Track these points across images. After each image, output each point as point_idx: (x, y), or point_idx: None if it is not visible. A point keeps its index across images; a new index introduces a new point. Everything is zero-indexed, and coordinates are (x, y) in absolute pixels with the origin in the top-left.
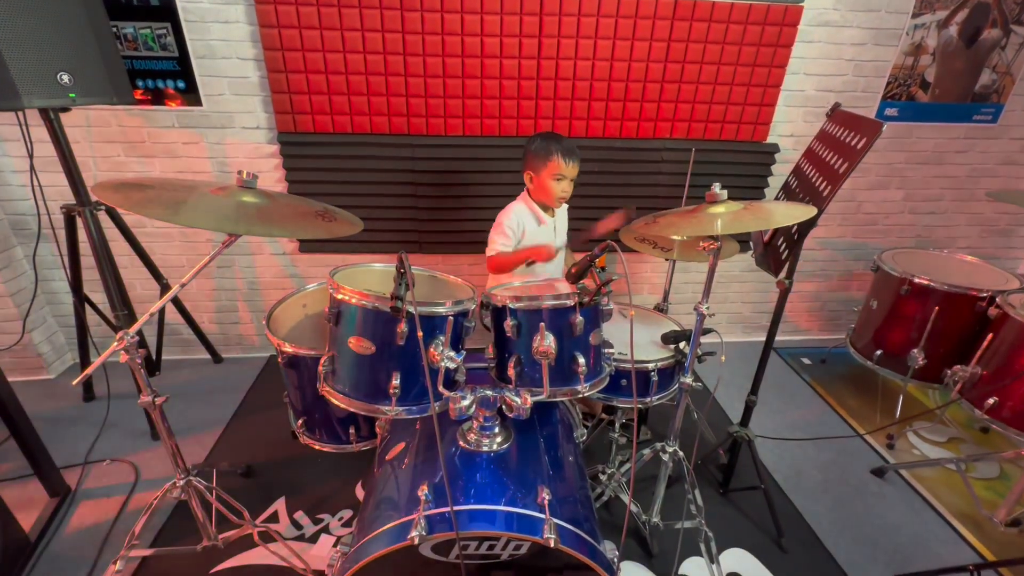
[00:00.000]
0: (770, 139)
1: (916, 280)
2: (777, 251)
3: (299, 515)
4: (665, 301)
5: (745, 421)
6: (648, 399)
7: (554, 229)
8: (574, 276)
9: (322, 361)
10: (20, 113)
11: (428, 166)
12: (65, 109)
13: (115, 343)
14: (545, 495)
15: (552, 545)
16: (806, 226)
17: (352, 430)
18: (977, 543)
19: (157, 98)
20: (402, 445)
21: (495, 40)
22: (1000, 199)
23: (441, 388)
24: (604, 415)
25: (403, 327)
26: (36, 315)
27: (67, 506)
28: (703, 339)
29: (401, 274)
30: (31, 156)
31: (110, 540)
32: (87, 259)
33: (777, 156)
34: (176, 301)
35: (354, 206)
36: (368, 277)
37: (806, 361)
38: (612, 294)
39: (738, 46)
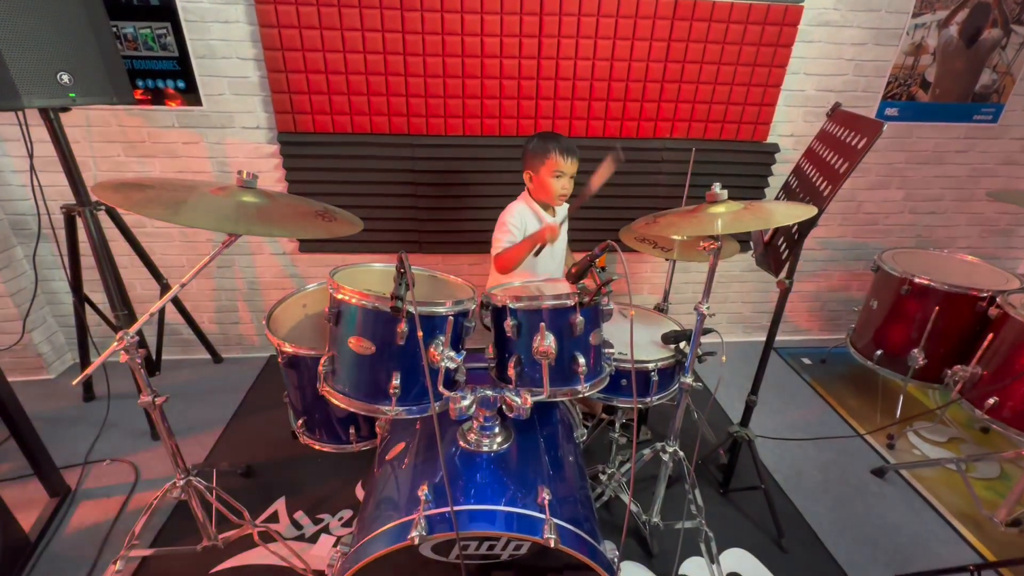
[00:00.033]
0: (770, 139)
1: (916, 280)
2: (777, 251)
3: (299, 515)
4: (665, 301)
5: (745, 421)
6: (648, 399)
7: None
8: (574, 276)
9: (322, 361)
10: (20, 113)
11: (428, 166)
12: (65, 109)
13: (115, 343)
14: (545, 495)
15: (552, 545)
16: (806, 226)
17: (352, 430)
18: (977, 543)
19: (157, 98)
20: (402, 445)
21: (495, 40)
22: (1000, 199)
23: (441, 388)
24: (604, 415)
25: (403, 327)
26: (36, 315)
27: (67, 506)
28: (703, 339)
29: (401, 274)
30: (31, 156)
31: (110, 540)
32: (87, 259)
33: (777, 156)
34: (176, 301)
35: (354, 206)
36: (368, 277)
37: (806, 361)
38: (612, 294)
39: (738, 46)
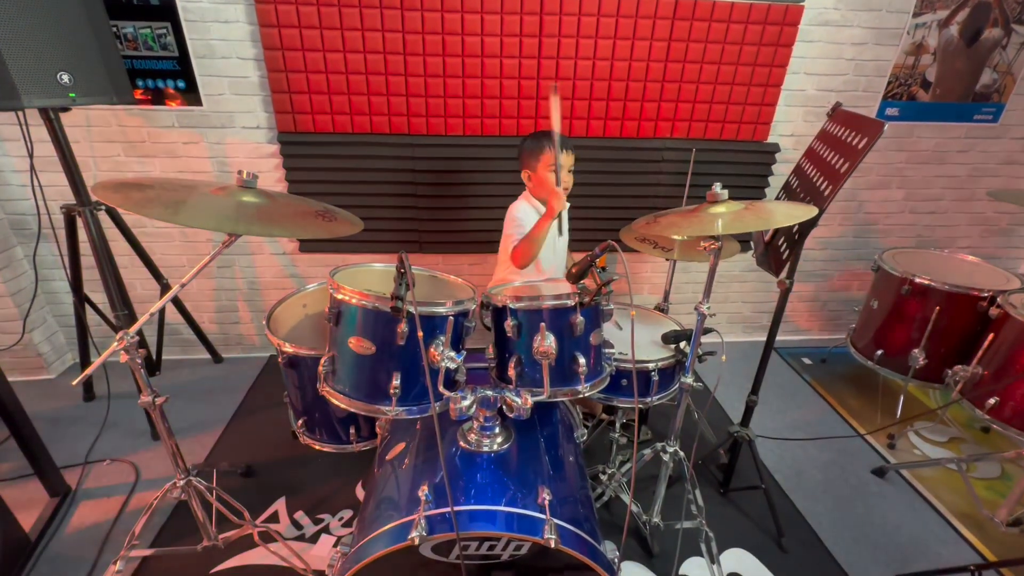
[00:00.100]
0: (771, 139)
1: (917, 280)
2: (778, 251)
3: (299, 515)
4: (665, 301)
5: (746, 421)
6: (649, 399)
7: (558, 226)
8: (574, 276)
9: (322, 361)
10: (20, 113)
11: (428, 166)
12: (65, 109)
13: (115, 343)
14: (545, 495)
15: (552, 546)
16: (807, 226)
17: (352, 430)
18: (978, 543)
19: (157, 98)
20: (402, 445)
21: (495, 40)
22: (1001, 199)
23: (441, 388)
24: (604, 415)
25: (403, 327)
26: (36, 315)
27: (67, 506)
28: (703, 339)
29: (401, 274)
30: (31, 156)
31: (110, 540)
32: (87, 259)
33: (778, 156)
34: (176, 301)
35: (354, 206)
36: (368, 277)
37: (807, 361)
38: (612, 294)
39: (739, 45)
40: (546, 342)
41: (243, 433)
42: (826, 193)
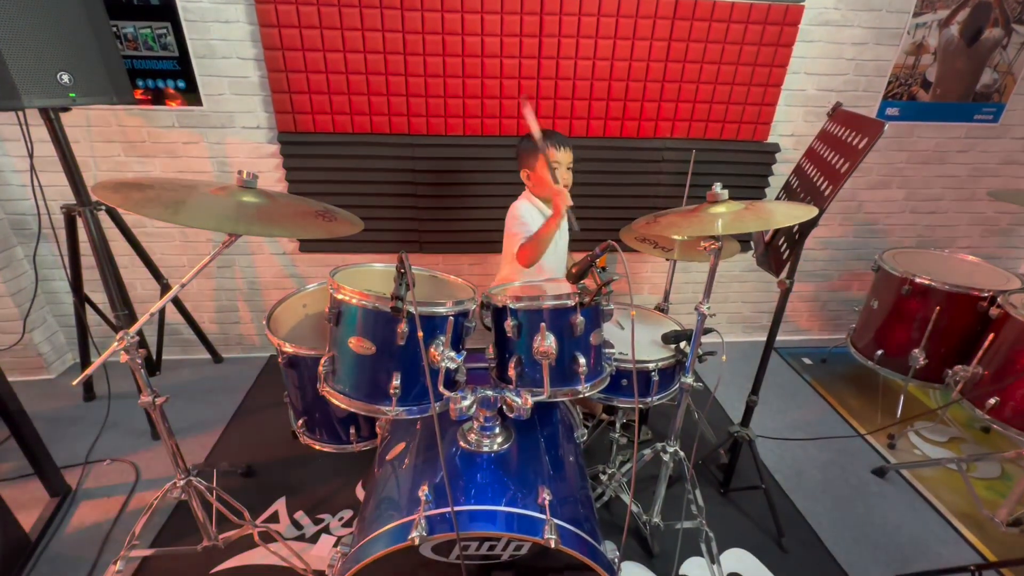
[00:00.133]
0: (771, 139)
1: (917, 280)
2: (778, 251)
3: (299, 515)
4: (666, 301)
5: (746, 421)
6: (649, 399)
7: (568, 223)
8: (575, 276)
9: (322, 361)
10: (20, 113)
11: (428, 166)
12: (65, 109)
13: (115, 343)
14: (546, 495)
15: (553, 546)
16: (807, 226)
17: (352, 430)
18: (978, 543)
19: (157, 98)
20: (402, 445)
21: (495, 40)
22: (1001, 199)
23: (441, 388)
24: (605, 415)
25: (403, 327)
26: (36, 315)
27: (67, 506)
28: (704, 339)
29: (401, 274)
30: (31, 156)
31: (110, 540)
32: (87, 259)
33: (778, 156)
34: (176, 301)
35: (354, 206)
36: (368, 277)
37: (807, 361)
38: (613, 294)
39: (739, 45)
40: (546, 342)
41: (243, 433)
42: (826, 193)
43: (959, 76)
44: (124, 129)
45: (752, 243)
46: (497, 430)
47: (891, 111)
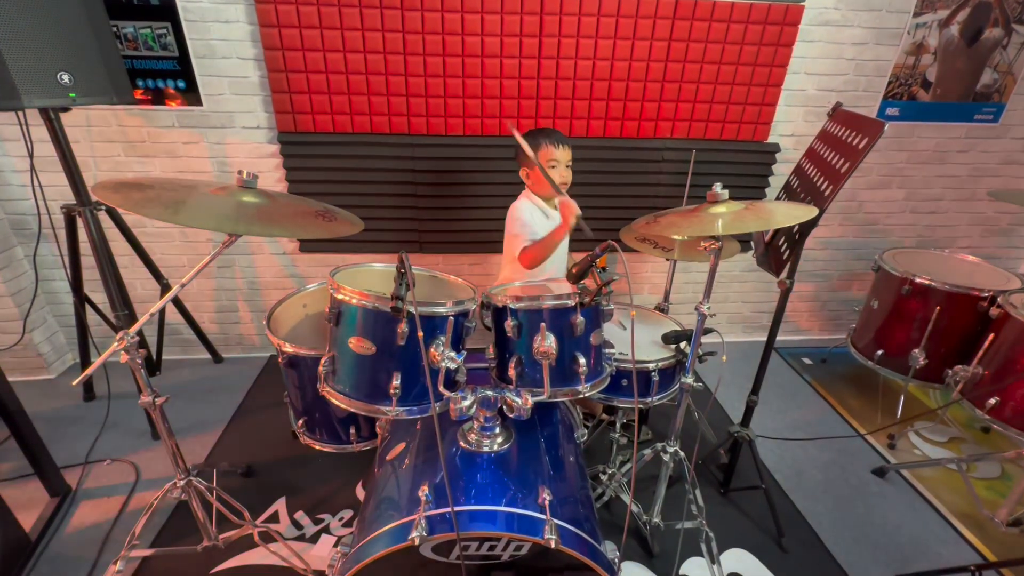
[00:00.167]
0: (771, 139)
1: (917, 280)
2: (778, 251)
3: (299, 515)
4: (666, 301)
5: (746, 421)
6: (649, 399)
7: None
8: (575, 276)
9: (322, 361)
10: (20, 113)
11: (428, 166)
12: (65, 109)
13: (115, 343)
14: (546, 495)
15: (553, 546)
16: (807, 226)
17: (352, 430)
18: (978, 543)
19: (157, 98)
20: (402, 445)
21: (495, 40)
22: (1001, 199)
23: (442, 388)
24: (605, 415)
25: (403, 327)
26: (36, 315)
27: (67, 506)
28: (704, 339)
29: (401, 274)
30: (31, 156)
31: (110, 540)
32: (87, 259)
33: (778, 156)
34: (176, 301)
35: (354, 206)
36: (368, 277)
37: (807, 361)
38: (613, 294)
39: (739, 45)
40: (546, 342)
41: (243, 433)
42: (826, 193)
43: (959, 76)
44: (124, 129)
45: (752, 243)
46: (497, 430)
47: (891, 111)
